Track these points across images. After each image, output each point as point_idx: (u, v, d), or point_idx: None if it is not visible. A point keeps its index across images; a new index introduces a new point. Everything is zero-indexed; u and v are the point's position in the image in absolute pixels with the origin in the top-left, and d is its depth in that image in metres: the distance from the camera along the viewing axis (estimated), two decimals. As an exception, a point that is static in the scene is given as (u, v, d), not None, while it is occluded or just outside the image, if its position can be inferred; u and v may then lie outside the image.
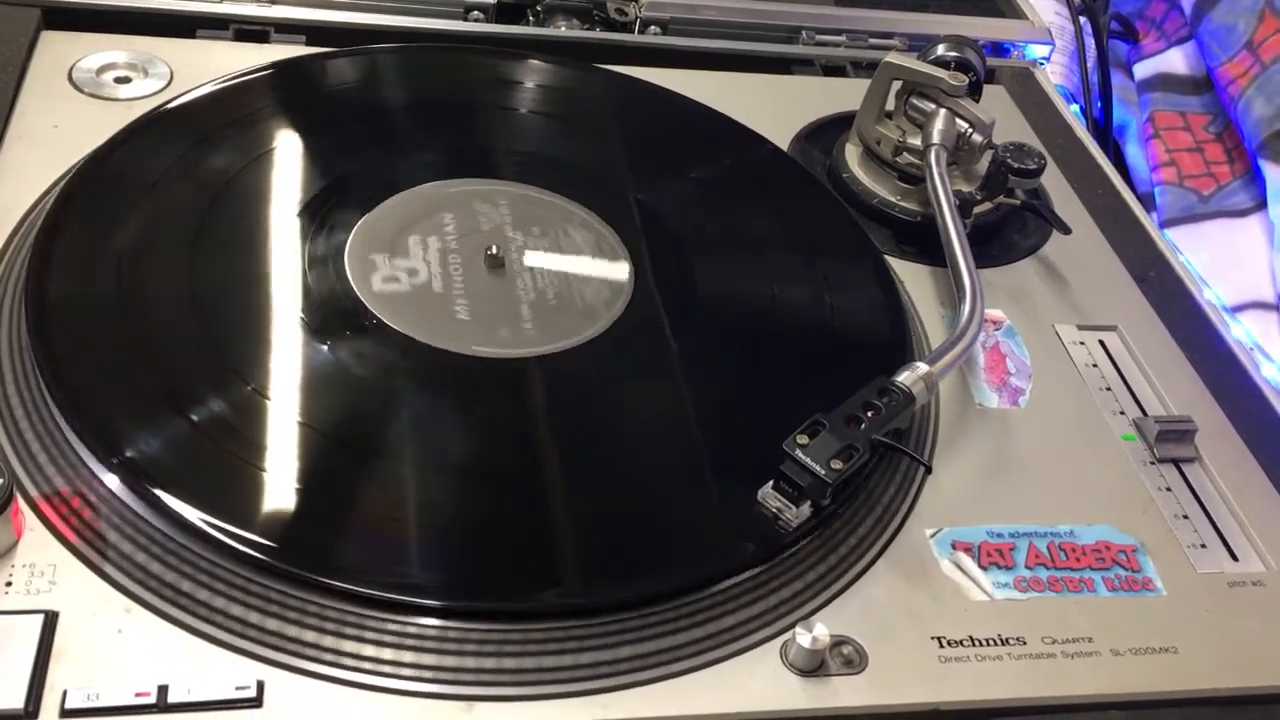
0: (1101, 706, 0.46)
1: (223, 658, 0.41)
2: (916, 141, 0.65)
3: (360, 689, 0.41)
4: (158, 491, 0.44)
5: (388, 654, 0.42)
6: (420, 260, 0.56)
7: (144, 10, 0.71)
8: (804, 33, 0.81)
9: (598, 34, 0.79)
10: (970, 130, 0.64)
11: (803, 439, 0.47)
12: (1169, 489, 0.55)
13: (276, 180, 0.59)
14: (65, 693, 0.39)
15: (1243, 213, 0.88)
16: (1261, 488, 0.56)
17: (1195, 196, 0.91)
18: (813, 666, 0.44)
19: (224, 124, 0.61)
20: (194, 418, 0.47)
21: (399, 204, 0.59)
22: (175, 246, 0.54)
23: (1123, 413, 0.59)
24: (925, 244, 0.64)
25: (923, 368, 0.51)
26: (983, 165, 0.65)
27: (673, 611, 0.45)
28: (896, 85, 0.67)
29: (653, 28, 0.79)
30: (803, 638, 0.43)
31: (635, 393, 0.54)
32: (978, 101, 0.66)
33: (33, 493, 0.45)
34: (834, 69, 0.80)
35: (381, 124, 0.65)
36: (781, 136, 0.71)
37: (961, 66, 0.66)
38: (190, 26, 0.71)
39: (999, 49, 0.84)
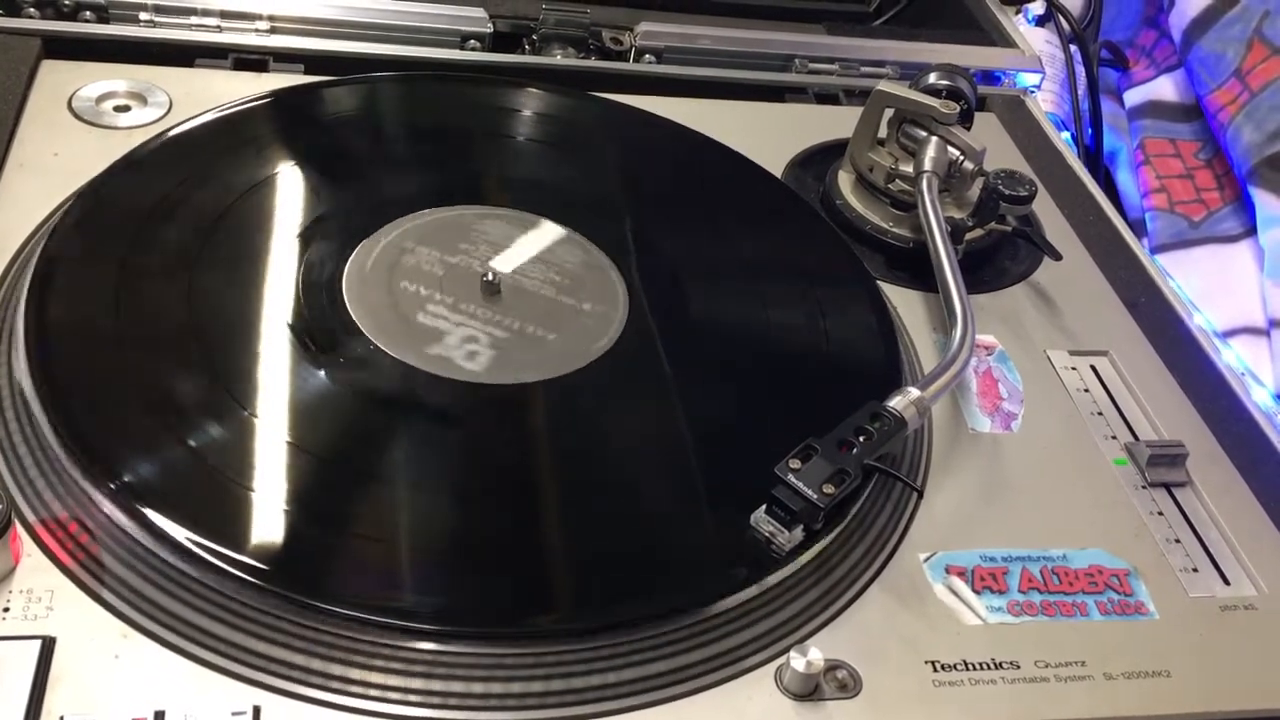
0: (1095, 730, 0.46)
1: (219, 683, 0.41)
2: (909, 169, 0.66)
3: (355, 713, 0.41)
4: (153, 515, 0.44)
5: (381, 678, 0.42)
6: (459, 328, 0.55)
7: (144, 40, 0.71)
8: (797, 61, 0.82)
9: (594, 62, 0.80)
10: (962, 158, 0.65)
11: (795, 463, 0.47)
12: (1161, 513, 0.55)
13: (276, 208, 0.60)
14: (62, 718, 0.39)
15: (1233, 238, 0.89)
16: (1252, 512, 0.56)
17: (1185, 222, 0.91)
18: (807, 691, 0.44)
19: (223, 152, 0.62)
20: (191, 443, 0.47)
21: (364, 289, 0.56)
22: (173, 274, 0.54)
23: (1114, 437, 0.59)
24: (917, 270, 0.65)
25: (915, 392, 0.51)
26: (974, 192, 0.66)
27: (666, 636, 0.45)
28: (889, 113, 0.68)
29: (648, 56, 0.80)
30: (797, 662, 0.44)
31: (627, 416, 0.54)
32: (969, 129, 0.67)
33: (30, 518, 0.45)
34: (827, 97, 0.81)
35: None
36: (775, 163, 0.72)
37: (953, 95, 0.67)
38: (190, 56, 0.71)
39: (990, 77, 0.85)
